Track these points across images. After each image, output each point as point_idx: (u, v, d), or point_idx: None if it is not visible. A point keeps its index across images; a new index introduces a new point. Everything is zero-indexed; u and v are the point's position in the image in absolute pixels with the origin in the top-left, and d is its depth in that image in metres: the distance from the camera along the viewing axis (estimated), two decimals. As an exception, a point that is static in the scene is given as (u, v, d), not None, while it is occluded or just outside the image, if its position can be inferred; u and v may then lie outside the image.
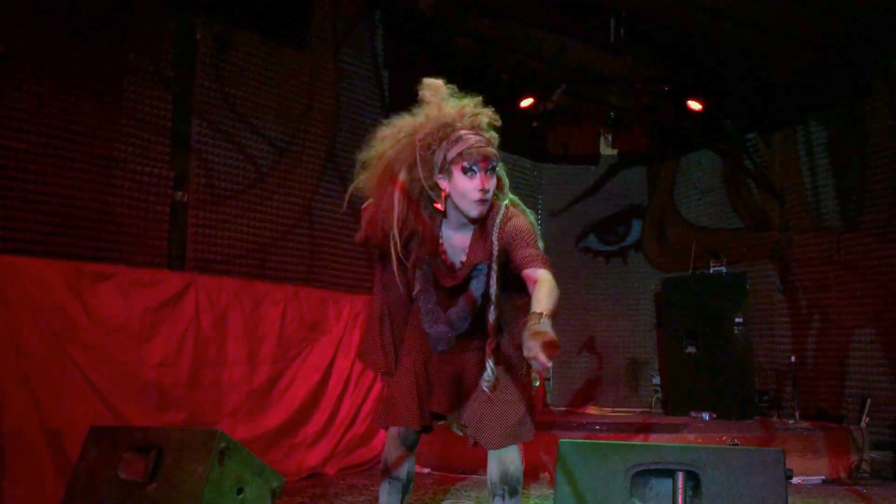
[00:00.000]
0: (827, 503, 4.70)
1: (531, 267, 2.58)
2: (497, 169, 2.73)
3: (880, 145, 6.68)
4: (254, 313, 5.30)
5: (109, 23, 5.09)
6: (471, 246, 2.72)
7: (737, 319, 7.10)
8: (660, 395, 8.49)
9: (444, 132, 2.61)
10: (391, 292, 2.92)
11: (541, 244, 2.73)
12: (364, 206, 2.80)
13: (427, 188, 2.62)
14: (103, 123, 5.03)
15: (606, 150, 9.44)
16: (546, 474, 5.32)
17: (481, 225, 2.70)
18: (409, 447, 2.88)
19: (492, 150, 2.62)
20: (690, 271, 7.84)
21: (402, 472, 2.89)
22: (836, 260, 6.99)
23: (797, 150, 7.49)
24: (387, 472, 2.88)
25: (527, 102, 8.17)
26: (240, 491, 3.26)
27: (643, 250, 9.22)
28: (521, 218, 2.73)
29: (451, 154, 2.59)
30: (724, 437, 5.64)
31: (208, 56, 5.72)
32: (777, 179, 7.72)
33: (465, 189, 2.58)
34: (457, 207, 2.65)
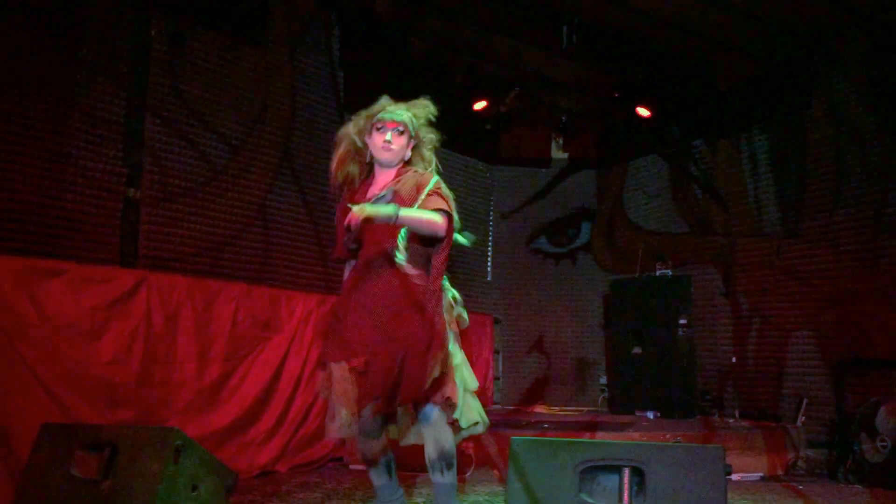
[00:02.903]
0: (764, 499, 4.86)
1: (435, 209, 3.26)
2: (423, 148, 3.56)
3: (819, 155, 6.94)
4: (206, 311, 5.28)
5: (63, 18, 5.04)
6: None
7: (681, 321, 7.28)
8: (606, 394, 8.67)
9: (374, 111, 3.48)
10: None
11: (455, 217, 3.37)
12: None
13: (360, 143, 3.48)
14: (55, 119, 4.98)
15: (558, 153, 9.59)
16: (496, 472, 5.41)
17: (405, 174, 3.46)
18: (371, 435, 3.29)
19: (396, 116, 3.43)
20: (637, 274, 8.03)
21: (379, 456, 3.39)
22: (775, 264, 7.24)
23: (740, 158, 7.74)
24: (367, 462, 3.41)
25: (480, 105, 8.28)
26: (194, 488, 3.28)
27: (592, 252, 9.40)
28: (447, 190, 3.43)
29: (371, 121, 3.45)
30: (667, 435, 5.80)
31: (163, 52, 5.69)
32: (721, 186, 7.96)
33: (376, 141, 3.42)
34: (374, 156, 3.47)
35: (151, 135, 5.59)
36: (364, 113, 3.50)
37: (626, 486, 2.94)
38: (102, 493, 3.17)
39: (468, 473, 5.52)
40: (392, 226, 3.17)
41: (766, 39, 7.02)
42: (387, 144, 3.40)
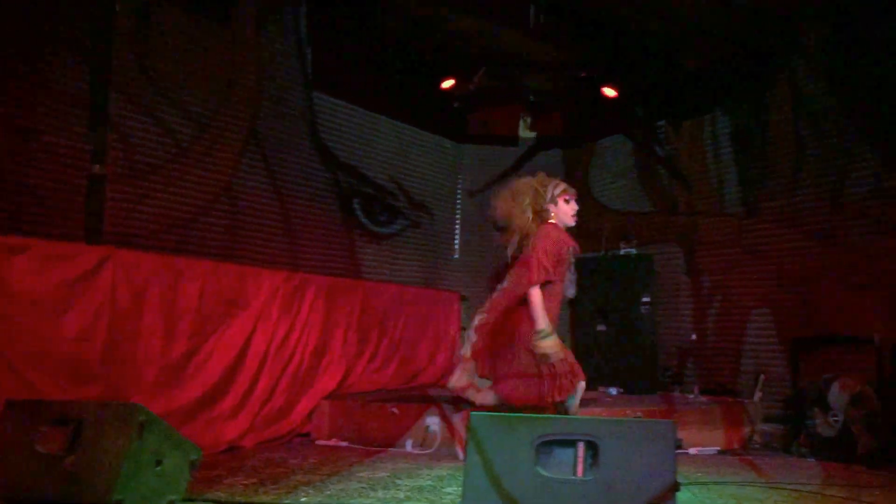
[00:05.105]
0: (719, 472, 5.00)
1: None
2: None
3: (779, 137, 7.07)
4: (172, 288, 5.29)
5: (26, -8, 4.98)
6: None
7: (644, 299, 7.40)
8: (571, 370, 8.78)
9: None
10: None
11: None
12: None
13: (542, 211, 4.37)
14: (18, 94, 4.93)
15: (525, 132, 9.63)
16: (460, 447, 5.51)
17: None
18: None
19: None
20: (602, 252, 8.13)
21: None
22: (736, 244, 7.38)
23: (704, 139, 7.86)
24: None
25: (449, 83, 8.29)
26: (158, 463, 3.33)
27: (558, 231, 9.47)
28: None
29: (557, 191, 4.39)
30: (628, 411, 5.94)
31: (128, 28, 5.64)
32: (685, 166, 8.08)
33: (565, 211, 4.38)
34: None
35: (117, 111, 5.55)
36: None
37: (580, 460, 3.04)
38: (67, 469, 3.22)
39: (433, 448, 5.62)
40: None
41: (731, 22, 7.11)
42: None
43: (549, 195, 4.38)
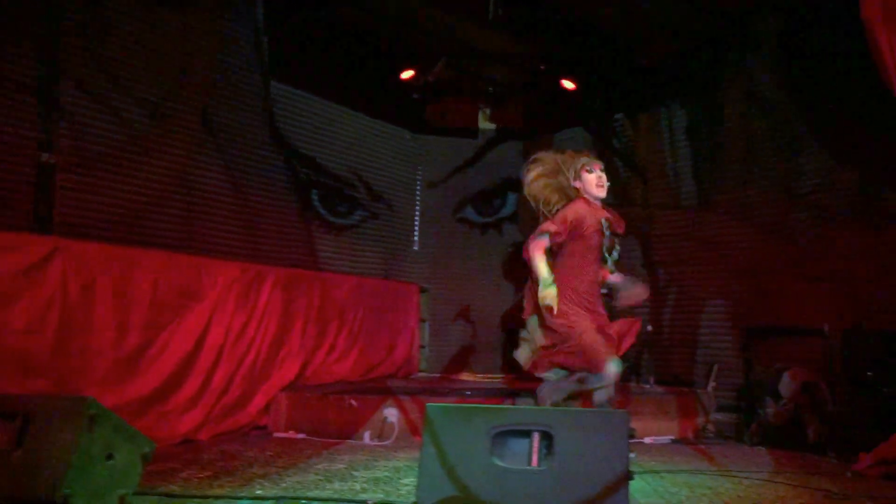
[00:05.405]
0: (673, 460, 5.08)
1: None
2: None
3: (732, 130, 7.17)
4: (124, 280, 5.21)
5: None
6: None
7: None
8: (530, 362, 8.83)
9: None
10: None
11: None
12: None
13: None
14: (-37, 80, 4.81)
15: (485, 124, 9.64)
16: (417, 438, 5.52)
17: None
18: None
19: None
20: (561, 244, 8.15)
21: None
22: (691, 236, 7.48)
23: (660, 133, 7.93)
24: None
25: (408, 74, 8.26)
26: (109, 457, 3.28)
27: (518, 222, 9.52)
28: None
29: (578, 165, 4.55)
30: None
31: (77, 13, 5.51)
32: (641, 159, 8.15)
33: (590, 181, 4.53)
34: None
35: (66, 98, 5.42)
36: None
37: (535, 450, 3.06)
38: (14, 463, 3.15)
39: (390, 440, 5.62)
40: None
41: (687, 16, 7.18)
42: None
43: (572, 173, 4.54)
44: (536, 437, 3.08)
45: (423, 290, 9.04)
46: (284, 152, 7.41)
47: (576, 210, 4.45)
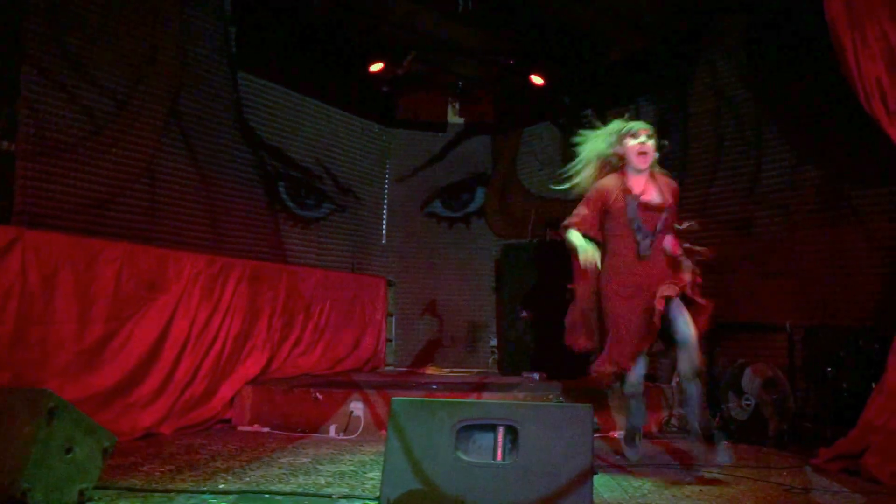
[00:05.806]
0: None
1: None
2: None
3: (699, 128, 7.22)
4: (87, 271, 5.12)
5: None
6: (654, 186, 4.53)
7: (569, 286, 7.48)
8: (496, 356, 8.88)
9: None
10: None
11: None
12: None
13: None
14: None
15: (454, 118, 9.65)
16: (383, 432, 5.51)
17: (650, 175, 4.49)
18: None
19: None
20: (528, 239, 8.20)
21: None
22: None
23: (628, 129, 7.97)
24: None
25: (377, 67, 8.23)
26: (69, 451, 3.23)
27: (485, 217, 9.54)
28: None
29: (624, 131, 4.45)
30: (550, 396, 6.03)
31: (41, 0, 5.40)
32: (609, 155, 8.18)
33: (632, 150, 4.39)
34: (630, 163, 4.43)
35: (28, 86, 5.30)
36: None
37: (500, 444, 3.07)
38: (-30, 457, 3.09)
39: (356, 434, 5.61)
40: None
41: (656, 13, 7.24)
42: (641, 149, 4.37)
43: (615, 140, 4.47)
44: (501, 431, 3.10)
45: (390, 284, 9.03)
46: (252, 144, 7.34)
47: (598, 187, 4.37)
